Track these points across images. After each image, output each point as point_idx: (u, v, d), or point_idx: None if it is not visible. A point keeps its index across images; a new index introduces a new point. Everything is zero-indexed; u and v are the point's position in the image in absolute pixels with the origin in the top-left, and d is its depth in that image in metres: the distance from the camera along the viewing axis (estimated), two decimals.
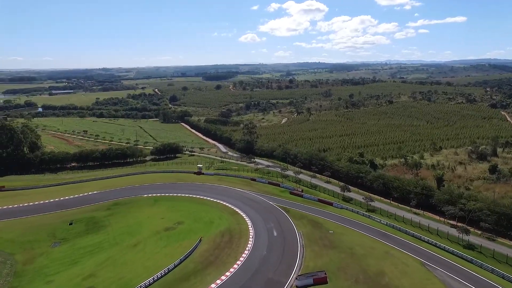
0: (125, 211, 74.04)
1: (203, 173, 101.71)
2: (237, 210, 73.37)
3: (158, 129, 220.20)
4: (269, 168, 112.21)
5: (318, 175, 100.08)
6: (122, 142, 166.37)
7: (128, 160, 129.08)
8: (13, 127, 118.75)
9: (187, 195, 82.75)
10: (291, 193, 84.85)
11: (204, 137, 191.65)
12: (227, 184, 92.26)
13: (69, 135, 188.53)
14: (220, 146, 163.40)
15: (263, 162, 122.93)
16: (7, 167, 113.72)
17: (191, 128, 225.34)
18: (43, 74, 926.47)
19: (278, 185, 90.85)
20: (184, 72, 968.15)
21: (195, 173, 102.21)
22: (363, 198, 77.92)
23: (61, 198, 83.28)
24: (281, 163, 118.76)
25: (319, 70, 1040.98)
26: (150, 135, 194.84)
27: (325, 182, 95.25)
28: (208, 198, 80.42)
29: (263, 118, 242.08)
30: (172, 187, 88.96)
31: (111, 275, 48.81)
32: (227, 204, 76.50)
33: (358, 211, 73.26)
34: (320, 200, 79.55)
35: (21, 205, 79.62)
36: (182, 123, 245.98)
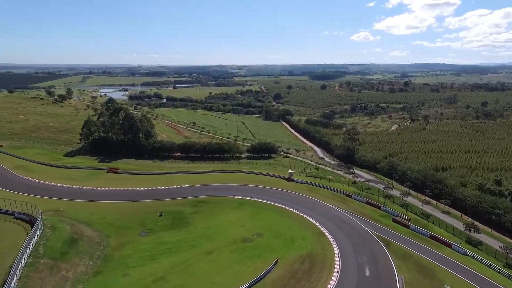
0: (209, 211, 72.80)
1: (293, 180, 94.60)
2: (324, 231, 63.83)
3: (258, 126, 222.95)
4: (370, 184, 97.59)
5: (432, 202, 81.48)
6: (223, 136, 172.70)
7: (225, 156, 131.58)
8: (134, 116, 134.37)
9: (272, 203, 77.00)
10: (394, 220, 70.26)
11: (302, 139, 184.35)
12: (317, 196, 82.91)
13: (180, 125, 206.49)
14: (318, 150, 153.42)
15: (363, 175, 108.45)
16: (126, 151, 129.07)
17: (291, 127, 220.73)
18: (171, 70, 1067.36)
19: (379, 207, 76.81)
20: (291, 71, 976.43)
21: (285, 178, 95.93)
22: (501, 247, 57.99)
23: (158, 188, 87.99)
24: (385, 178, 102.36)
25: (442, 72, 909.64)
26: (250, 132, 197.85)
27: (442, 213, 76.41)
28: (294, 211, 72.92)
29: (369, 123, 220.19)
30: (258, 192, 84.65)
31: (178, 283, 46.40)
32: (313, 222, 67.59)
33: (491, 264, 54.56)
34: (433, 237, 62.99)
35: (127, 188, 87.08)
36: (282, 122, 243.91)
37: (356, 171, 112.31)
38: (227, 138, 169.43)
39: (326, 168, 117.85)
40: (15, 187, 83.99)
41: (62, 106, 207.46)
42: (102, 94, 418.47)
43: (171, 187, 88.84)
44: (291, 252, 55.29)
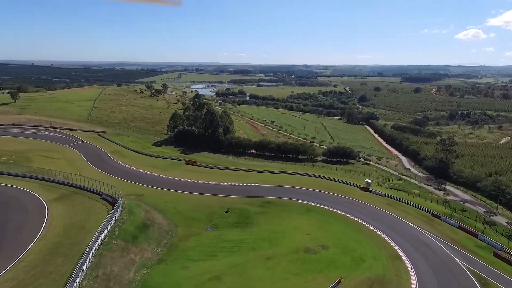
0: (274, 214, 70.55)
1: (370, 191, 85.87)
2: (401, 254, 55.55)
3: (339, 129, 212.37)
4: (466, 205, 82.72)
5: None
6: (300, 137, 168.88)
7: (299, 157, 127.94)
8: (215, 111, 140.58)
9: (343, 214, 70.76)
10: (495, 254, 57.48)
11: (386, 145, 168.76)
12: (397, 212, 73.35)
13: (259, 123, 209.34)
14: (403, 159, 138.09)
15: (457, 193, 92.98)
16: (206, 144, 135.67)
17: (375, 132, 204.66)
18: (257, 68, 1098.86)
19: (475, 235, 63.99)
20: (381, 72, 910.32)
21: (361, 188, 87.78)
22: None
23: (229, 184, 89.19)
24: (488, 201, 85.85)
25: None
26: (329, 134, 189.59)
27: None
28: (367, 225, 65.57)
29: (471, 133, 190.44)
30: (329, 199, 78.97)
31: (232, 286, 45.09)
32: (389, 241, 59.56)
33: None
34: None
35: (201, 181, 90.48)
36: (366, 126, 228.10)
37: (449, 187, 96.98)
38: (304, 139, 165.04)
39: (412, 180, 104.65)
40: (108, 170, 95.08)
41: (157, 100, 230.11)
42: (192, 90, 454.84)
43: (241, 184, 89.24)
44: (358, 272, 49.24)
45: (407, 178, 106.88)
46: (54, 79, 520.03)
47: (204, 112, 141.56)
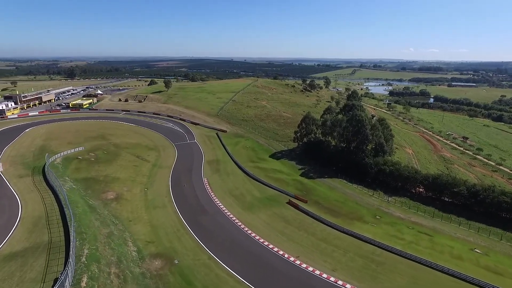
0: None
1: None
2: None
3: None
4: None
5: None
6: None
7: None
8: (363, 119, 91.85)
9: None
10: None
11: None
12: None
13: (441, 138, 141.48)
14: None
15: None
16: (343, 165, 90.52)
17: None
18: (451, 66, 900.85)
19: None
20: None
21: None
22: None
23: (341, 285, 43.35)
24: None
25: None
26: None
27: None
28: None
29: None
30: None
31: None
32: None
33: None
34: None
35: (286, 258, 49.04)
36: None
37: None
38: None
39: None
40: (178, 192, 67.07)
41: (307, 96, 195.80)
42: (363, 87, 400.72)
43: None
44: None
45: None
46: (234, 71, 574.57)
47: (346, 118, 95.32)
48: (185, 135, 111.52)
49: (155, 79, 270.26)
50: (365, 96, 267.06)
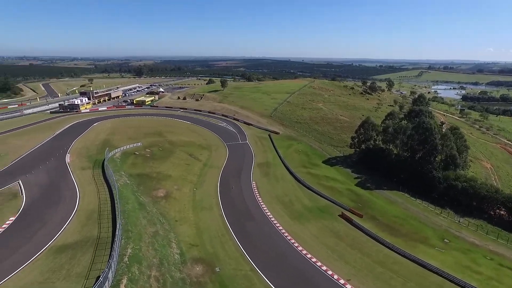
0: None
1: None
2: None
3: None
4: None
5: None
6: None
7: None
8: (432, 126, 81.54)
9: None
10: None
11: None
12: None
13: None
14: None
15: None
16: (405, 177, 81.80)
17: None
18: None
19: None
20: None
21: None
22: None
23: None
24: None
25: None
26: None
27: None
28: None
29: None
30: None
31: None
32: None
33: None
34: None
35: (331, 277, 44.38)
36: None
37: None
38: None
39: None
40: (226, 193, 65.82)
41: (367, 99, 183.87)
42: (431, 90, 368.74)
43: None
44: None
45: None
46: (291, 71, 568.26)
47: (412, 125, 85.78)
48: (238, 135, 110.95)
49: (213, 78, 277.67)
50: (433, 101, 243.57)
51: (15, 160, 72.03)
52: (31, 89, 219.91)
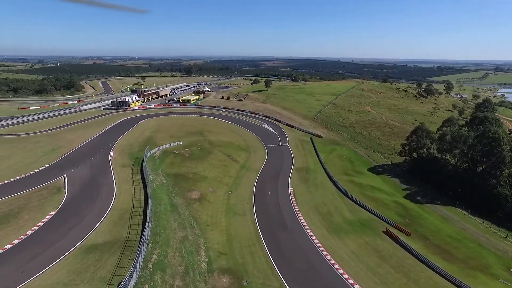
0: None
1: None
2: None
3: None
4: None
5: None
6: None
7: None
8: (500, 138, 70.98)
9: None
10: None
11: None
12: None
13: None
14: None
15: None
16: (463, 191, 72.67)
17: None
18: None
19: None
20: None
21: None
22: None
23: None
24: None
25: None
26: None
27: None
28: None
29: None
30: None
31: None
32: None
33: None
34: None
35: None
36: None
37: None
38: None
39: None
40: (261, 200, 63.12)
41: (422, 102, 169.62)
42: (497, 94, 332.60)
43: None
44: None
45: None
46: (339, 72, 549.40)
47: (474, 134, 75.83)
48: (278, 137, 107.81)
49: (259, 78, 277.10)
50: (500, 106, 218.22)
51: (65, 154, 76.24)
52: (91, 86, 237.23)
